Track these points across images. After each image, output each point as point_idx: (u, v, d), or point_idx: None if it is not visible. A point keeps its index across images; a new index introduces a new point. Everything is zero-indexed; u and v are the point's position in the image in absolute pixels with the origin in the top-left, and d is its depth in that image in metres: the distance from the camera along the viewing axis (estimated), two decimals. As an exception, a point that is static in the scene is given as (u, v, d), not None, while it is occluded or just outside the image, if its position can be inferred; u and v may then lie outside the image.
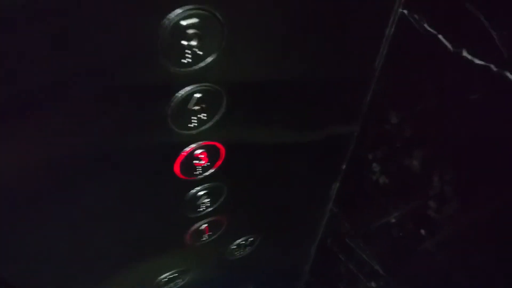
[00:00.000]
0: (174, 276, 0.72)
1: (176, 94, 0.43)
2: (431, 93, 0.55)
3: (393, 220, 0.72)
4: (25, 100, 0.36)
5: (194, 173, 0.54)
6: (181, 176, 0.53)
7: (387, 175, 0.68)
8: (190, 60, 0.40)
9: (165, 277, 0.71)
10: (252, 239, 0.79)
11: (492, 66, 0.41)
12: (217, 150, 0.53)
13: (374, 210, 0.75)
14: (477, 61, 0.43)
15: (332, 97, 0.61)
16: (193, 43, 0.39)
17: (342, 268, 0.93)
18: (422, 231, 0.66)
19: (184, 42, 0.38)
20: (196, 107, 0.45)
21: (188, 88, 0.43)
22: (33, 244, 0.51)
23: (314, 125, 0.64)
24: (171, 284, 0.74)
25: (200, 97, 0.44)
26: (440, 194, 0.59)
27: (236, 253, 0.79)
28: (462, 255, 0.63)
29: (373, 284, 0.83)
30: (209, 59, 0.41)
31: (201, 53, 0.40)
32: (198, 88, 0.43)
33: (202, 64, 0.41)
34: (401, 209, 0.69)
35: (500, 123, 0.45)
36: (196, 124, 0.47)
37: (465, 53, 0.44)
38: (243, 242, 0.77)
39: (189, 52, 0.39)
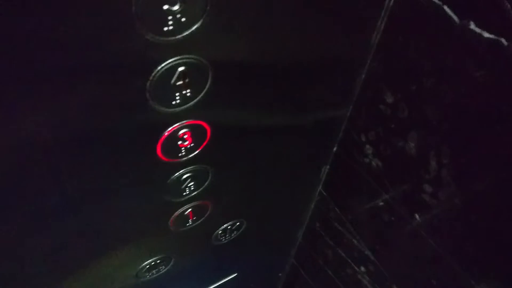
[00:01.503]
0: (156, 263, 0.69)
1: (158, 67, 0.39)
2: (431, 71, 0.51)
3: (385, 204, 0.69)
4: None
5: (178, 155, 0.50)
6: (164, 158, 0.49)
7: (381, 158, 0.65)
8: (172, 28, 0.36)
9: (146, 265, 0.68)
10: (238, 223, 0.76)
11: (503, 40, 0.38)
12: (202, 130, 0.49)
13: (365, 193, 0.73)
14: (486, 35, 0.40)
15: (324, 74, 0.58)
16: (176, 7, 0.34)
17: (330, 253, 0.92)
18: (416, 216, 0.64)
19: (166, 7, 0.34)
20: (180, 82, 0.41)
21: (170, 61, 0.39)
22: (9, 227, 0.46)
23: (304, 104, 0.61)
24: (154, 271, 0.70)
25: (183, 71, 0.40)
26: (436, 178, 0.57)
27: (221, 238, 0.76)
28: (455, 240, 0.61)
29: (362, 268, 0.82)
30: (193, 27, 0.37)
31: (184, 19, 0.35)
32: (182, 60, 0.39)
33: (186, 33, 0.37)
34: (394, 193, 0.67)
35: (508, 103, 0.42)
36: (179, 102, 0.43)
37: (472, 26, 0.41)
38: (229, 227, 0.74)
39: (171, 18, 0.35)
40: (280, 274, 1.16)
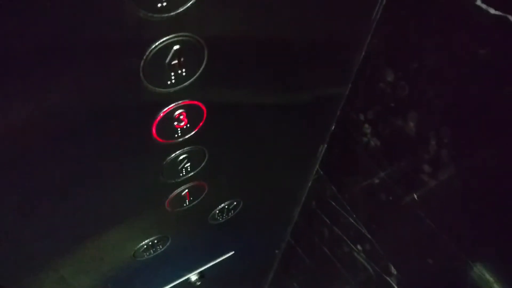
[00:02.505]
0: (153, 243, 0.69)
1: (152, 46, 0.37)
2: (433, 48, 0.50)
3: (382, 183, 0.69)
4: None
5: (174, 136, 0.49)
6: (160, 140, 0.48)
7: (379, 137, 0.64)
8: (166, 4, 0.34)
9: (144, 245, 0.67)
10: (235, 203, 0.75)
11: (510, 17, 0.37)
12: (198, 110, 0.48)
13: (363, 173, 0.73)
14: (493, 11, 0.38)
15: (322, 51, 0.56)
16: (170, -18, 0.33)
17: (326, 231, 0.92)
18: (413, 195, 0.64)
19: (159, -18, 0.32)
20: (175, 62, 0.39)
21: (164, 39, 0.37)
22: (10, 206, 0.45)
23: (302, 82, 0.59)
24: (151, 251, 0.70)
25: (178, 50, 0.39)
26: (436, 158, 0.56)
27: (218, 217, 0.75)
28: (452, 220, 0.61)
29: (358, 247, 0.82)
30: (188, 3, 0.35)
31: (179, -5, 0.34)
32: (176, 38, 0.38)
33: (180, 9, 0.35)
34: (392, 173, 0.66)
35: (512, 82, 0.41)
36: (174, 81, 0.41)
37: (479, 2, 0.39)
38: (226, 206, 0.74)
39: (165, -7, 0.33)
40: (276, 252, 1.17)
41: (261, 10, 0.43)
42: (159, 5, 0.34)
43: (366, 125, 0.65)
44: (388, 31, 0.54)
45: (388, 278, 0.77)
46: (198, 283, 0.96)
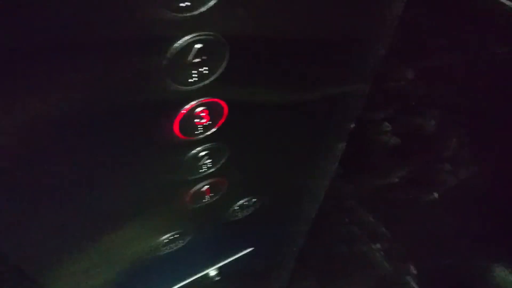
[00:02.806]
0: (174, 238, 0.70)
1: (174, 45, 0.38)
2: (452, 48, 0.50)
3: (401, 182, 0.69)
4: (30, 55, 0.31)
5: (195, 132, 0.50)
6: (181, 136, 0.49)
7: (399, 135, 0.64)
8: (188, 4, 0.35)
9: (165, 239, 0.69)
10: (254, 199, 0.76)
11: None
12: (219, 107, 0.49)
13: (381, 171, 0.72)
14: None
15: (343, 51, 0.57)
16: (193, -17, 0.34)
17: (344, 229, 0.92)
18: (433, 194, 0.63)
19: (182, -18, 0.33)
20: (197, 60, 0.41)
21: (187, 38, 0.38)
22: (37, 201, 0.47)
23: (322, 80, 0.60)
24: (172, 245, 0.72)
25: (200, 48, 0.40)
26: (455, 156, 0.56)
27: (238, 214, 0.76)
28: (472, 220, 0.61)
29: (377, 245, 0.82)
30: (211, 3, 0.36)
31: (202, -5, 0.35)
32: (199, 37, 0.39)
33: (202, 9, 0.36)
34: (411, 171, 0.66)
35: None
36: (196, 79, 0.42)
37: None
38: (246, 203, 0.75)
39: (188, -6, 0.34)
40: (295, 249, 1.18)
41: (283, 9, 0.43)
42: (182, 4, 0.35)
43: (386, 124, 0.65)
44: (408, 31, 0.54)
45: (406, 277, 0.76)
46: (217, 278, 0.97)
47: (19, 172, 0.42)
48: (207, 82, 0.43)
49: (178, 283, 0.90)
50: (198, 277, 0.93)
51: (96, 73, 0.37)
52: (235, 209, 0.75)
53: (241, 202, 0.74)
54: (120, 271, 0.71)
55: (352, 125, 0.73)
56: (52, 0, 0.30)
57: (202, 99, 0.46)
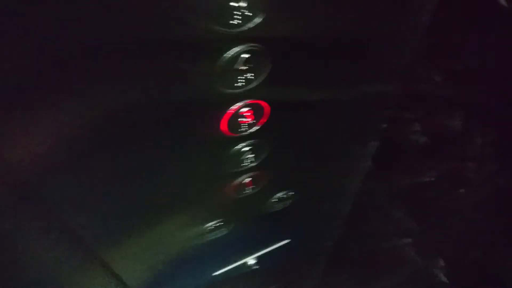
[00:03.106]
0: (218, 225, 0.77)
1: (224, 55, 0.45)
2: (478, 52, 0.54)
3: (431, 179, 0.73)
4: (98, 57, 0.39)
5: (239, 130, 0.57)
6: (227, 133, 0.56)
7: (427, 134, 0.68)
8: (239, 21, 0.42)
9: (210, 226, 0.76)
10: (292, 193, 0.82)
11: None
12: (262, 108, 0.55)
13: (412, 168, 0.76)
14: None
15: (375, 55, 0.61)
16: (241, 3, 0.40)
17: (377, 224, 0.96)
18: (460, 191, 0.67)
19: (234, 4, 0.40)
20: (243, 67, 0.47)
21: (236, 49, 0.45)
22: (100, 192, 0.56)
23: (356, 83, 0.65)
24: (217, 232, 0.79)
25: (246, 57, 0.46)
26: (480, 155, 0.59)
27: (276, 206, 0.83)
28: (499, 216, 0.64)
29: (408, 239, 0.86)
30: (257, 20, 0.42)
31: (250, 14, 0.41)
32: (246, 48, 0.45)
33: (250, 25, 0.43)
34: (440, 169, 0.70)
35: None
36: (243, 83, 0.49)
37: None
38: (284, 196, 0.81)
39: (238, 13, 0.41)
40: (329, 244, 1.22)
41: (320, 22, 0.49)
42: (232, 22, 0.42)
43: (415, 123, 0.69)
44: (436, 35, 0.58)
45: (435, 271, 0.80)
46: (256, 267, 1.04)
47: (96, 163, 0.51)
48: (252, 86, 0.50)
49: (221, 268, 0.98)
50: (238, 265, 1.00)
51: (157, 77, 0.45)
52: (273, 201, 0.81)
53: (279, 194, 0.80)
54: (170, 252, 0.80)
55: (384, 125, 0.77)
56: (139, 21, 0.38)
57: (247, 100, 0.52)
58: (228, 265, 1.00)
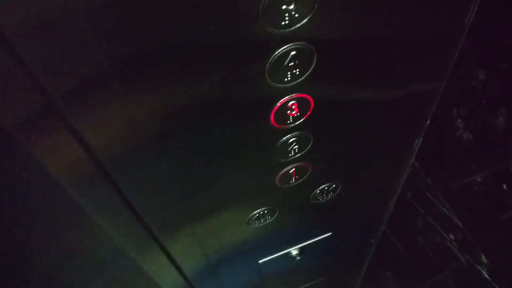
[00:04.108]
0: (264, 213, 0.83)
1: (275, 52, 0.50)
2: (522, 50, 0.55)
3: (475, 176, 0.74)
4: (152, 57, 0.45)
5: (287, 122, 0.62)
6: (276, 125, 0.61)
7: (471, 132, 0.69)
8: (287, 22, 0.47)
9: (256, 213, 0.82)
10: (334, 186, 0.86)
11: None
12: (307, 102, 0.60)
13: (456, 165, 0.78)
14: None
15: (420, 53, 0.64)
16: (291, 6, 0.45)
17: (420, 221, 0.97)
18: (504, 187, 0.68)
19: (284, 6, 0.45)
20: (291, 64, 0.52)
21: (285, 47, 0.50)
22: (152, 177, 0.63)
23: (400, 80, 0.67)
24: (261, 220, 0.85)
25: (294, 55, 0.51)
26: (524, 151, 0.60)
27: (319, 197, 0.87)
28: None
29: (451, 236, 0.87)
30: (304, 21, 0.47)
31: (297, 15, 0.46)
32: (294, 46, 0.50)
33: (298, 25, 0.47)
34: (484, 165, 0.71)
35: None
36: (290, 79, 0.54)
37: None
38: (326, 188, 0.85)
39: (287, 14, 0.46)
40: (372, 240, 1.24)
41: (364, 20, 0.53)
42: (283, 23, 0.47)
43: (459, 120, 0.71)
44: (480, 33, 0.60)
45: (479, 267, 0.80)
46: (298, 258, 1.08)
47: (167, 152, 0.58)
48: (298, 81, 0.55)
49: (265, 257, 1.03)
50: (282, 254, 1.05)
51: (216, 73, 0.51)
52: (317, 193, 0.85)
53: (322, 186, 0.84)
54: (220, 237, 0.86)
55: (428, 122, 0.79)
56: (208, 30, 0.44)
57: (293, 94, 0.57)
58: (273, 254, 1.05)
